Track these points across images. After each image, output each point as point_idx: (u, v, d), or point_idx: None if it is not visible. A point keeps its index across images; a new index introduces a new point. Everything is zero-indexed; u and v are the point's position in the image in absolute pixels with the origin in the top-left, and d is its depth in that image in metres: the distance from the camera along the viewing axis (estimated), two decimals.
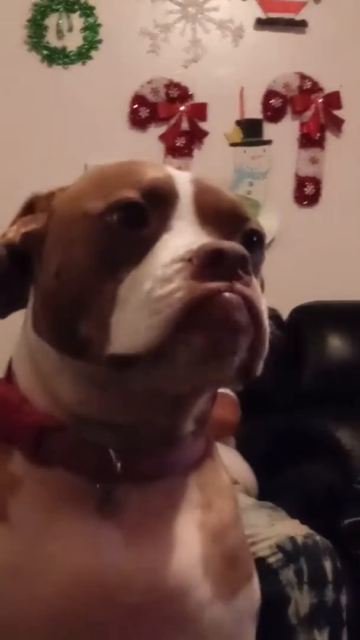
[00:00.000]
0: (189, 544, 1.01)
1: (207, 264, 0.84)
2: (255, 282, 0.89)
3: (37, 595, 0.95)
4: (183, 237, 0.89)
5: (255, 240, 0.99)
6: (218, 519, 1.05)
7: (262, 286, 1.10)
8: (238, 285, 0.85)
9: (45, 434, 0.99)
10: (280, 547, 2.07)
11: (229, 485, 1.13)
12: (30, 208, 1.07)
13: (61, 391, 0.98)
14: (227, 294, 0.84)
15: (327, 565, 2.09)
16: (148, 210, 0.92)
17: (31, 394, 1.02)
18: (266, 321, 0.89)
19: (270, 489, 2.76)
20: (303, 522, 2.25)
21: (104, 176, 1.00)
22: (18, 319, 1.09)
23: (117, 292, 0.89)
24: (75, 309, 0.92)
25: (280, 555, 2.05)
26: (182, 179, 0.96)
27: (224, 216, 0.95)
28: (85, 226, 0.95)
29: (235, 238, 0.94)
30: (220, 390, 3.00)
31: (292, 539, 2.10)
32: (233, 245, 0.86)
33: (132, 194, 0.92)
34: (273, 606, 1.94)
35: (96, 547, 0.96)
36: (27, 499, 0.99)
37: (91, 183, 1.00)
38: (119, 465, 0.97)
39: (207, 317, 0.84)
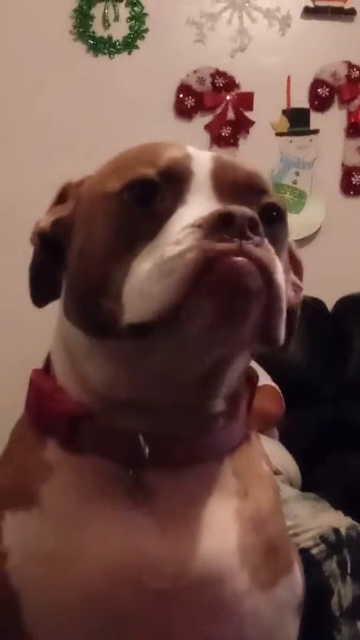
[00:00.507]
0: (225, 531, 1.00)
1: (216, 227, 0.85)
2: (267, 244, 0.88)
3: (70, 580, 0.96)
4: (197, 209, 0.89)
5: (275, 215, 0.99)
6: (256, 507, 1.05)
7: (296, 263, 1.10)
8: (248, 246, 0.85)
9: (78, 422, 1.00)
10: (323, 539, 2.06)
11: (268, 475, 1.12)
12: (63, 196, 1.10)
13: (91, 375, 0.99)
14: (236, 258, 0.84)
15: None
16: (163, 187, 0.92)
17: (66, 383, 1.04)
18: (281, 282, 0.87)
19: (314, 480, 2.75)
20: (346, 513, 2.24)
21: (125, 158, 1.01)
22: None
23: (131, 265, 0.89)
24: (97, 286, 0.93)
25: (323, 547, 2.04)
26: (202, 156, 0.97)
27: (241, 189, 0.95)
28: (104, 205, 0.96)
29: (252, 209, 0.93)
30: (264, 382, 3.00)
31: (335, 530, 2.10)
32: (241, 208, 0.86)
33: (149, 172, 0.93)
34: (316, 598, 1.93)
35: (127, 533, 0.96)
36: (59, 486, 1.00)
37: (113, 165, 1.02)
38: (147, 450, 0.97)
39: (217, 281, 0.83)
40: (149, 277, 0.86)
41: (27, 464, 1.03)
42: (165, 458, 0.99)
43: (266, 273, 0.86)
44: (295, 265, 1.11)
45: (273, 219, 0.98)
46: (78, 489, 0.99)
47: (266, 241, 0.88)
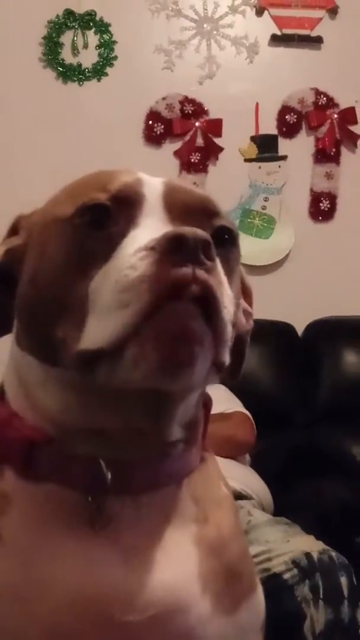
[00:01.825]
0: (185, 559, 0.99)
1: (170, 250, 0.84)
2: (218, 268, 0.88)
3: (34, 615, 0.93)
4: (150, 231, 0.89)
5: (226, 238, 0.98)
6: (216, 532, 1.04)
7: (246, 290, 1.11)
8: (199, 272, 0.84)
9: (35, 448, 0.98)
10: (295, 563, 2.06)
11: (227, 497, 1.11)
12: (15, 229, 1.08)
13: (46, 402, 0.98)
14: (180, 304, 0.83)
15: (343, 581, 2.07)
16: (114, 211, 0.92)
17: (20, 410, 1.02)
18: (225, 313, 0.87)
19: (286, 505, 2.75)
20: (318, 538, 2.24)
21: (76, 184, 1.01)
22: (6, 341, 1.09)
23: (88, 290, 0.89)
24: (51, 313, 0.93)
25: (295, 571, 2.04)
26: (153, 181, 0.98)
27: (193, 211, 0.95)
28: (56, 230, 0.96)
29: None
30: (235, 408, 3.00)
31: (307, 555, 2.09)
32: (194, 230, 0.86)
33: (100, 196, 0.93)
34: (289, 622, 1.93)
35: (90, 565, 0.95)
36: (18, 517, 0.98)
37: (64, 192, 1.02)
38: (109, 475, 0.95)
39: (162, 327, 0.83)
40: (105, 307, 0.86)
41: None
42: (126, 485, 0.97)
43: (212, 302, 0.85)
44: (245, 292, 1.11)
45: (225, 242, 0.98)
46: (38, 520, 0.97)
47: (218, 266, 0.88)
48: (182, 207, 0.95)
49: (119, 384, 0.89)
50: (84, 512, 0.96)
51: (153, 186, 0.96)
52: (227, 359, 0.89)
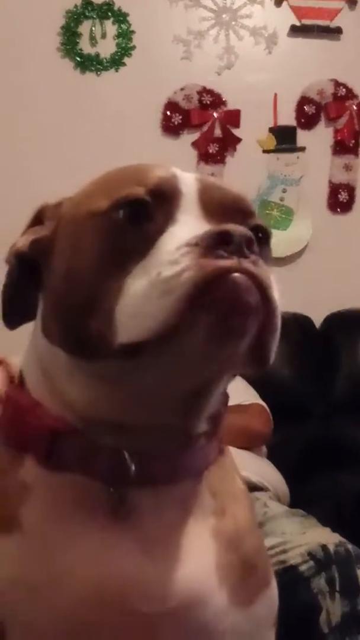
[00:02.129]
0: (204, 552, 0.99)
1: (214, 245, 0.84)
2: (262, 263, 0.88)
3: (54, 605, 0.94)
4: (189, 228, 0.89)
5: (260, 236, 0.98)
6: (233, 525, 1.04)
7: None
8: (246, 264, 0.85)
9: (58, 438, 0.98)
10: (311, 555, 2.05)
11: (243, 490, 1.12)
12: (39, 218, 1.08)
13: (72, 395, 0.97)
14: (236, 275, 0.83)
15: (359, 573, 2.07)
16: (153, 206, 0.92)
17: (42, 399, 1.01)
18: (277, 301, 0.87)
19: (302, 497, 2.75)
20: (335, 530, 2.23)
21: (109, 178, 1.00)
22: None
23: (125, 284, 0.88)
24: (86, 308, 0.92)
25: (311, 563, 2.03)
26: (187, 177, 0.97)
27: (229, 210, 0.95)
28: (91, 225, 0.95)
29: None
30: (252, 400, 3.00)
31: (323, 547, 2.09)
32: (239, 227, 0.87)
33: (138, 191, 0.92)
34: (304, 615, 1.92)
35: (111, 556, 0.95)
36: (39, 507, 0.98)
37: (96, 186, 1.01)
38: (132, 467, 0.96)
39: (216, 298, 0.83)
40: (144, 297, 0.85)
41: (3, 485, 1.00)
42: (148, 476, 0.97)
43: (264, 291, 0.85)
44: None
45: (259, 241, 0.96)
46: (58, 510, 0.97)
47: (261, 260, 0.88)
48: (218, 205, 0.94)
49: (168, 370, 0.89)
50: (105, 503, 0.96)
51: (188, 182, 0.96)
52: (272, 355, 0.89)
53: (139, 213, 0.92)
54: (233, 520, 1.05)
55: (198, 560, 0.98)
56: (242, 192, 1.00)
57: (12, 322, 1.12)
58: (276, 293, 0.88)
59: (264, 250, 0.97)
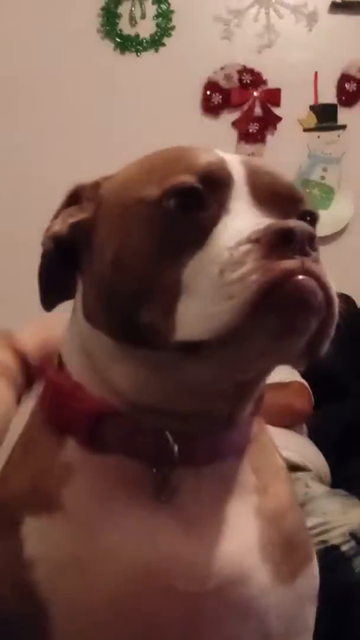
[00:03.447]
0: (246, 530, 0.99)
1: (277, 244, 0.83)
2: (321, 260, 0.88)
3: (96, 585, 0.94)
4: (243, 218, 0.88)
5: (309, 221, 0.96)
6: (275, 502, 1.04)
7: None
8: (309, 263, 0.84)
9: (101, 420, 0.98)
10: (353, 535, 2.05)
11: (283, 467, 1.12)
12: (74, 199, 1.07)
13: (117, 379, 0.97)
14: (301, 277, 0.83)
15: None
16: (205, 194, 0.90)
17: (85, 382, 1.01)
18: (336, 300, 0.88)
19: (343, 477, 2.74)
20: None
21: (154, 162, 0.99)
22: None
23: (181, 277, 0.88)
24: (136, 297, 0.91)
25: (353, 543, 2.03)
26: (234, 161, 0.95)
27: (280, 197, 0.94)
28: (141, 213, 0.94)
29: (291, 218, 0.92)
30: (293, 378, 2.99)
31: None
32: (300, 224, 0.86)
33: (188, 179, 0.91)
34: (346, 594, 1.93)
35: (154, 536, 0.95)
36: (82, 488, 0.98)
37: (141, 170, 0.99)
38: (176, 448, 0.96)
39: (282, 301, 0.83)
40: (207, 297, 0.85)
41: (45, 466, 1.01)
42: (190, 456, 0.97)
43: (326, 290, 0.85)
44: None
45: (312, 225, 0.96)
46: (101, 491, 0.97)
47: (320, 258, 0.88)
48: (268, 192, 0.93)
49: (225, 366, 0.90)
50: (148, 484, 0.96)
51: (236, 166, 0.94)
52: (325, 348, 0.90)
53: (192, 202, 0.90)
54: (275, 497, 1.05)
55: (240, 538, 0.98)
56: (289, 178, 0.99)
57: (50, 303, 1.11)
58: (335, 290, 0.88)
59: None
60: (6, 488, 1.03)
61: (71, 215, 1.05)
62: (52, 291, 1.10)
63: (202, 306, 0.85)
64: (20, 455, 1.06)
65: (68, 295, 1.08)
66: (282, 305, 0.83)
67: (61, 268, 1.06)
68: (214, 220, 0.89)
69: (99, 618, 0.95)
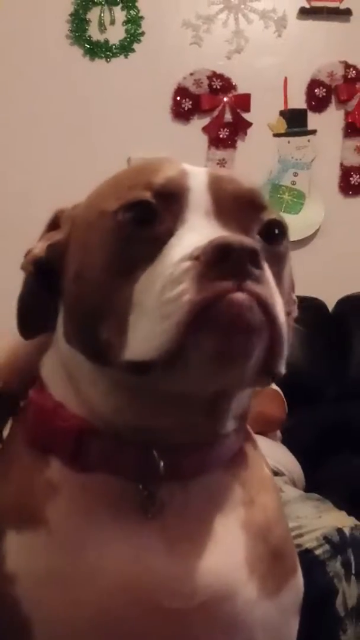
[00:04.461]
0: (233, 544, 0.99)
1: (215, 262, 0.81)
2: (268, 277, 0.85)
3: (80, 601, 0.93)
4: (197, 231, 0.87)
5: (276, 233, 0.94)
6: (262, 515, 1.03)
7: (291, 282, 1.07)
8: (248, 283, 0.82)
9: (83, 439, 0.97)
10: (327, 539, 2.06)
11: (270, 477, 1.11)
12: (55, 224, 1.06)
13: (96, 399, 0.96)
14: (235, 295, 0.81)
15: None
16: (159, 208, 0.89)
17: (66, 402, 1.00)
18: (282, 318, 0.84)
19: (317, 481, 2.75)
20: (350, 513, 2.24)
21: (119, 178, 0.99)
22: None
23: (133, 293, 0.87)
24: (95, 312, 0.91)
25: (327, 547, 2.04)
26: (198, 173, 0.94)
27: (241, 205, 0.92)
28: (100, 225, 0.93)
29: (253, 229, 0.92)
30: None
31: (339, 531, 2.09)
32: (241, 240, 0.83)
33: (143, 193, 0.90)
34: (320, 598, 1.93)
35: (139, 552, 0.94)
36: (66, 505, 0.97)
37: (107, 186, 0.99)
38: (161, 464, 0.95)
39: (217, 320, 0.81)
40: (151, 315, 0.84)
41: (29, 484, 1.00)
42: (176, 471, 0.96)
43: (267, 310, 0.83)
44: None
45: (275, 236, 0.94)
46: (86, 508, 0.97)
47: (267, 274, 0.85)
48: (229, 201, 0.91)
49: (174, 389, 0.89)
50: (133, 500, 0.96)
51: (198, 178, 0.93)
52: (282, 369, 0.87)
53: (146, 216, 0.90)
54: (262, 509, 1.04)
55: (228, 553, 0.98)
56: (254, 185, 0.96)
57: (29, 332, 1.10)
58: (281, 310, 0.85)
59: (280, 246, 0.95)
60: None
61: (49, 239, 1.04)
62: (33, 319, 1.08)
63: (146, 325, 0.84)
64: (2, 471, 1.05)
65: (49, 326, 1.06)
66: (215, 327, 0.81)
67: (43, 296, 1.05)
68: (168, 234, 0.88)
69: (82, 634, 0.94)
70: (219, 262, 0.81)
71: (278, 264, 0.93)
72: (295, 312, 1.07)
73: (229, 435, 1.01)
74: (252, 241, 0.84)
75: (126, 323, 0.87)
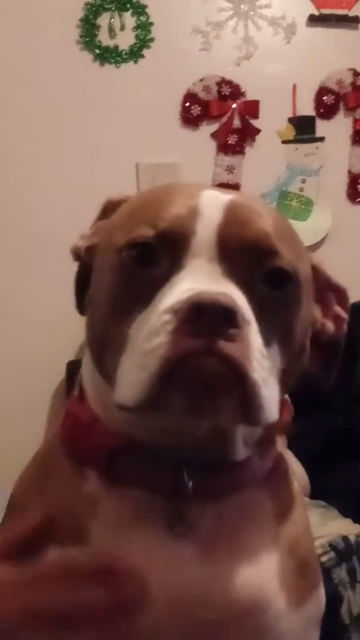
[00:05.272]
0: (265, 558, 1.00)
1: (189, 319, 0.82)
2: (246, 334, 0.85)
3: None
4: (191, 279, 0.86)
5: (284, 278, 0.92)
6: (292, 529, 1.05)
7: (339, 293, 1.08)
8: (220, 343, 0.82)
9: (117, 454, 0.99)
10: (332, 546, 2.06)
11: (299, 492, 1.12)
12: (105, 212, 1.07)
13: (119, 417, 0.96)
14: (203, 359, 0.82)
15: None
16: (160, 250, 0.89)
17: (101, 415, 1.02)
18: (256, 376, 0.84)
19: (322, 488, 2.74)
20: (355, 521, 2.24)
21: (136, 206, 0.99)
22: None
23: (128, 333, 0.88)
24: (101, 339, 0.94)
25: (332, 554, 2.04)
26: (213, 207, 0.92)
27: (248, 252, 0.90)
28: (110, 258, 0.94)
29: (257, 276, 0.90)
30: None
31: (344, 538, 2.09)
32: (216, 298, 0.83)
33: (147, 232, 0.90)
34: (325, 606, 1.93)
35: (172, 566, 0.95)
36: (105, 520, 0.98)
37: (128, 211, 0.99)
38: (190, 484, 0.96)
39: (185, 380, 0.83)
40: (133, 363, 0.86)
41: (69, 498, 1.01)
42: (208, 490, 0.98)
43: (238, 371, 0.83)
44: (338, 294, 1.12)
45: (281, 283, 0.92)
46: (122, 523, 0.98)
47: (244, 332, 0.85)
48: (236, 246, 0.90)
49: (165, 427, 0.92)
50: (167, 516, 0.97)
51: (210, 218, 0.91)
52: (266, 418, 0.88)
53: (146, 256, 0.90)
54: (292, 524, 1.05)
55: (260, 566, 0.99)
56: (266, 229, 0.93)
57: (83, 309, 1.10)
58: (256, 367, 0.85)
59: (287, 291, 0.93)
60: (25, 517, 1.03)
61: (90, 237, 1.06)
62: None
63: (131, 370, 0.86)
64: (41, 484, 1.06)
65: None
66: (182, 387, 0.83)
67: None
68: (164, 278, 0.88)
69: None
70: (194, 319, 0.82)
71: (284, 310, 0.93)
72: (343, 328, 1.06)
73: (255, 457, 1.02)
74: (229, 299, 0.84)
75: (119, 361, 0.88)
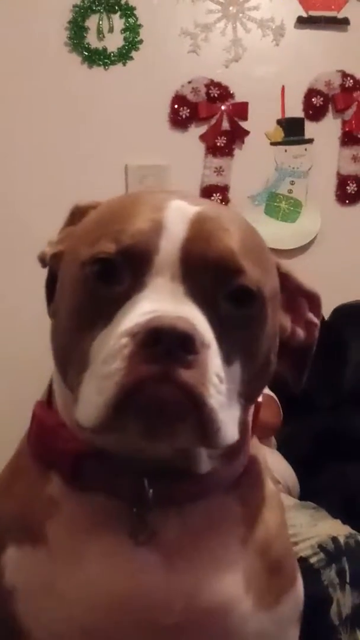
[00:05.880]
0: (230, 562, 1.00)
1: (146, 343, 0.82)
2: (203, 360, 0.84)
3: (72, 614, 0.95)
4: (152, 298, 0.86)
5: (248, 297, 0.91)
6: (264, 532, 1.04)
7: (310, 298, 1.08)
8: (176, 370, 0.82)
9: (81, 460, 0.99)
10: (322, 547, 2.06)
11: (274, 494, 1.11)
12: (74, 217, 1.06)
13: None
14: (157, 387, 0.82)
15: None
16: (122, 267, 0.88)
17: (66, 420, 1.01)
18: (212, 402, 0.84)
19: (312, 489, 2.75)
20: (344, 522, 2.24)
21: (104, 216, 0.97)
22: None
23: (90, 350, 0.88)
24: (64, 353, 0.94)
25: (322, 555, 2.04)
26: (178, 221, 0.91)
27: (211, 270, 0.89)
28: (73, 270, 0.94)
29: (220, 294, 0.89)
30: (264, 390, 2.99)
31: (334, 539, 2.10)
32: (174, 324, 0.82)
33: (109, 248, 0.89)
34: (315, 607, 1.93)
35: (132, 570, 0.96)
36: (65, 521, 0.99)
37: (94, 220, 0.98)
38: (151, 492, 0.96)
39: (139, 407, 0.83)
40: (93, 384, 0.86)
41: (31, 499, 1.02)
42: (171, 498, 0.98)
43: (193, 398, 0.83)
44: (310, 300, 1.09)
45: (245, 301, 0.91)
46: (83, 526, 0.98)
47: (202, 357, 0.84)
48: (199, 264, 0.89)
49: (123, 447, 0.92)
50: (130, 523, 0.97)
51: (174, 232, 0.90)
52: (225, 441, 0.88)
53: (108, 272, 0.89)
54: (263, 526, 1.05)
55: (224, 570, 0.99)
56: (231, 247, 0.92)
57: None
58: (212, 391, 0.84)
59: (251, 309, 0.92)
60: None
61: (57, 244, 1.04)
62: None
63: (91, 390, 0.86)
64: (8, 482, 1.07)
65: None
66: (137, 413, 0.83)
67: None
68: (126, 296, 0.87)
69: None
70: (152, 343, 0.82)
71: (247, 328, 0.92)
72: (314, 335, 1.06)
73: (224, 464, 1.01)
74: (188, 324, 0.83)
75: (82, 377, 0.88)
